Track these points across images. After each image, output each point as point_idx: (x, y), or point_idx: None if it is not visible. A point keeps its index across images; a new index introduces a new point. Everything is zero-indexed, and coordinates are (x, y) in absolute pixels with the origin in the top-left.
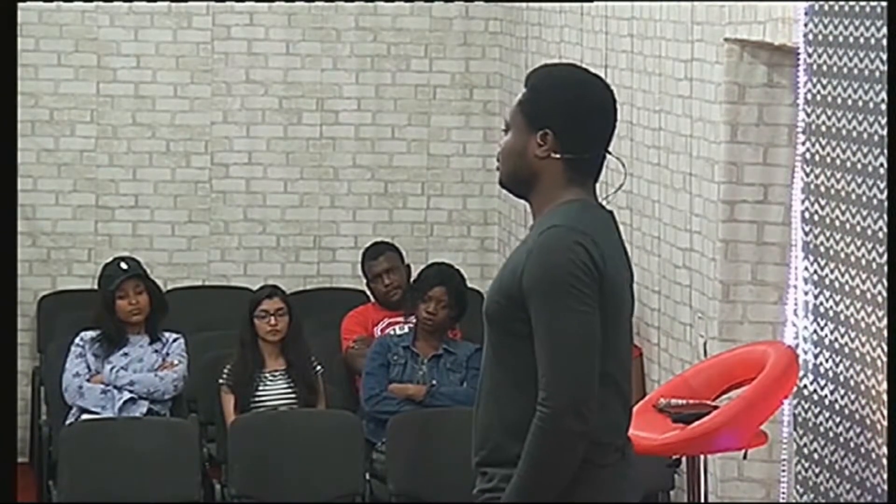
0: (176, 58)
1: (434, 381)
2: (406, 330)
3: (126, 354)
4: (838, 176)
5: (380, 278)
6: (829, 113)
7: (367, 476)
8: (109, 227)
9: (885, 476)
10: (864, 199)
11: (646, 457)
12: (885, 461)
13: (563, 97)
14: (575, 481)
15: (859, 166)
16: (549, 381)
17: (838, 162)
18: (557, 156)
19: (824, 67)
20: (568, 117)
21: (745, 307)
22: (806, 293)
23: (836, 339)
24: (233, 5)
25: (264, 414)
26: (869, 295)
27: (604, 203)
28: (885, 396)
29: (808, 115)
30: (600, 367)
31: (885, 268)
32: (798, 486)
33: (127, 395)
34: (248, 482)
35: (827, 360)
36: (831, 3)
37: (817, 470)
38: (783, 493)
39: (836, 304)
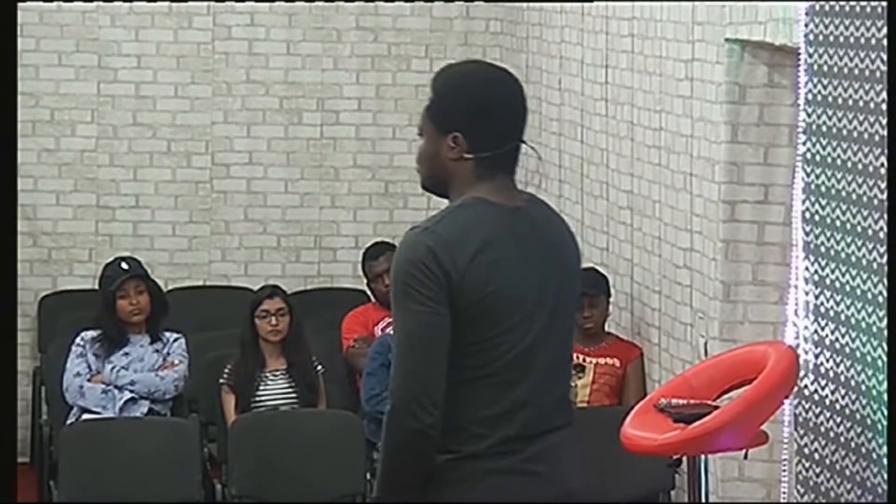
0: (177, 58)
1: None
2: None
3: (127, 354)
4: (839, 176)
5: (380, 278)
6: (830, 113)
7: (368, 476)
8: (110, 227)
9: (885, 476)
10: (865, 199)
11: (646, 457)
12: (885, 461)
13: (467, 99)
14: (442, 471)
15: (860, 166)
16: (390, 379)
17: (839, 162)
18: (470, 156)
19: (825, 67)
20: (474, 118)
21: (746, 307)
22: (806, 293)
23: (836, 339)
24: (233, 5)
25: (265, 414)
26: (869, 295)
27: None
28: (885, 396)
29: (809, 116)
30: (475, 363)
31: (885, 268)
32: (799, 486)
33: (128, 395)
34: (248, 482)
35: (827, 360)
36: (831, 3)
37: (818, 470)
38: (784, 493)
39: (837, 304)
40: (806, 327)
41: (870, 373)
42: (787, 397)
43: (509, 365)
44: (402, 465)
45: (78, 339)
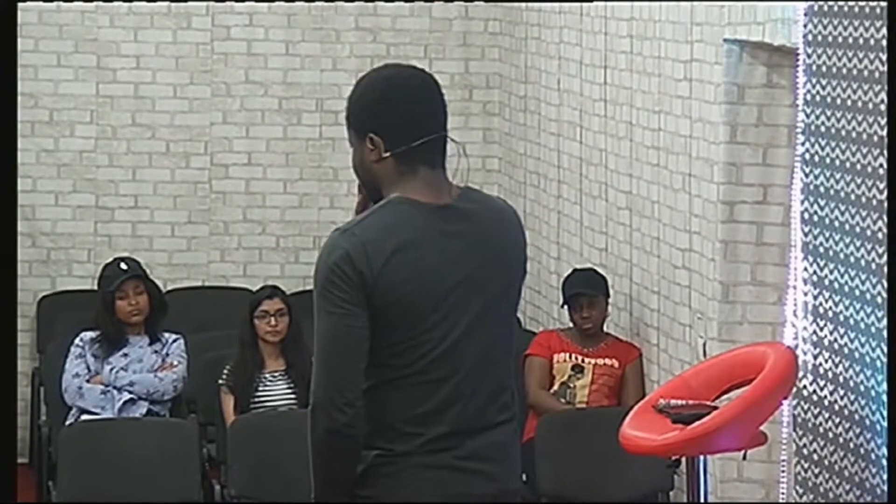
0: (175, 58)
1: None
2: None
3: (126, 355)
4: (838, 176)
5: None
6: (829, 113)
7: None
8: (109, 228)
9: (885, 476)
10: (864, 199)
11: (645, 457)
12: (884, 461)
13: (371, 98)
14: (377, 465)
15: (859, 167)
16: (311, 380)
17: (838, 163)
18: (387, 154)
19: (824, 68)
20: (384, 115)
21: (745, 308)
22: (805, 294)
23: (835, 340)
24: (232, 6)
25: (264, 414)
26: (868, 295)
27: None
28: (884, 397)
29: (808, 116)
30: (399, 362)
31: (885, 268)
32: (798, 487)
33: (126, 396)
34: (247, 482)
35: (826, 361)
36: (831, 3)
37: (817, 470)
38: (783, 493)
39: (836, 304)
40: (805, 328)
41: (869, 373)
42: (785, 398)
43: (434, 363)
44: (323, 462)
45: (77, 340)
